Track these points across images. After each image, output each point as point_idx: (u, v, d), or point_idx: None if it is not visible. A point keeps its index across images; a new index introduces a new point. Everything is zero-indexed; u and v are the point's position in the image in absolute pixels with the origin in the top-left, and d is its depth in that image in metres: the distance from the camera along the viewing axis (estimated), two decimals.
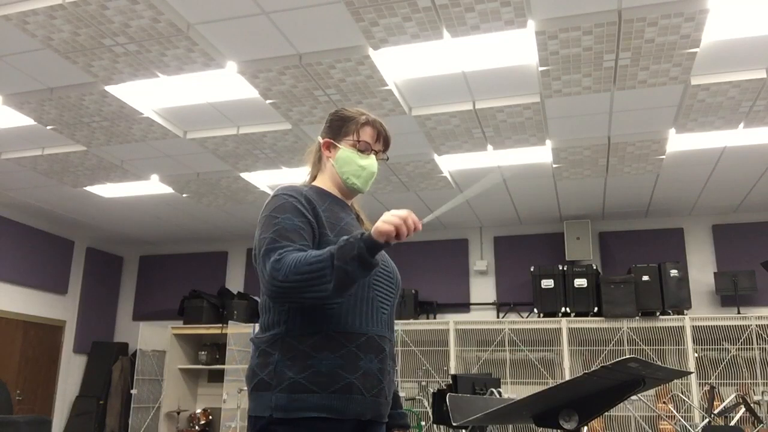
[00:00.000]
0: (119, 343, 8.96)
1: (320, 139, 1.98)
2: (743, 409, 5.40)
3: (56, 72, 4.46)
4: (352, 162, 1.91)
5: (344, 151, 1.91)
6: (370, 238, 1.57)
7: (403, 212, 1.58)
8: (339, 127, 1.94)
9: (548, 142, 5.51)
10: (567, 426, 1.81)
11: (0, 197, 7.22)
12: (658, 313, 6.83)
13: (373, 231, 1.57)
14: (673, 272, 6.86)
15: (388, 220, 1.57)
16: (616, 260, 7.59)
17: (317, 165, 1.98)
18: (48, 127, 5.29)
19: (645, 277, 6.89)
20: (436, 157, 5.81)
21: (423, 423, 6.94)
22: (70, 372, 8.57)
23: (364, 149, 1.91)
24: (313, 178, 1.99)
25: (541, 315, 7.17)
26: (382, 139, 1.96)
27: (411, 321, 7.52)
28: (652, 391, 6.52)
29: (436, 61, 4.23)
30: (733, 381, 6.61)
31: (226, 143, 5.54)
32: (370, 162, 1.93)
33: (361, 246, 1.56)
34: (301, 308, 1.71)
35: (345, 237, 1.61)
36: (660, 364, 1.67)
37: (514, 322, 7.32)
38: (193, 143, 5.57)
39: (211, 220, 8.01)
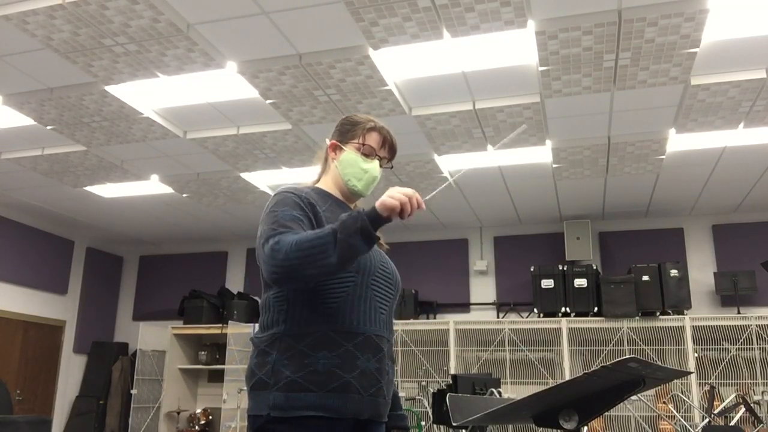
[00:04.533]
0: (119, 343, 8.96)
1: (328, 141, 2.00)
2: (743, 409, 5.40)
3: (56, 72, 4.46)
4: (354, 164, 1.92)
5: (348, 153, 1.93)
6: (374, 212, 1.61)
7: (408, 190, 1.63)
8: (347, 130, 1.97)
9: (548, 142, 5.51)
10: (567, 426, 1.81)
11: (0, 197, 7.22)
12: (658, 313, 6.83)
13: (378, 205, 1.61)
14: (673, 272, 6.86)
15: (394, 195, 1.61)
16: (616, 260, 7.59)
17: (323, 167, 2.02)
18: (48, 127, 5.29)
19: (645, 277, 6.89)
20: (436, 157, 5.82)
21: (423, 423, 6.94)
22: (70, 372, 8.57)
23: (368, 153, 1.93)
24: (318, 179, 2.01)
25: (541, 315, 7.17)
26: (388, 146, 1.98)
27: (411, 321, 7.52)
28: (652, 391, 6.52)
29: (436, 61, 4.23)
30: (733, 381, 6.60)
31: (226, 143, 5.54)
32: (373, 166, 1.94)
33: (365, 219, 1.60)
34: (300, 307, 1.72)
35: (345, 213, 1.64)
36: (660, 364, 1.67)
37: (514, 322, 7.32)
38: (193, 143, 5.57)
39: (211, 220, 8.01)
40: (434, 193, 1.86)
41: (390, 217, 1.61)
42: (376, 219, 1.61)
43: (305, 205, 1.79)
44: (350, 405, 1.67)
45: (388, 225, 1.64)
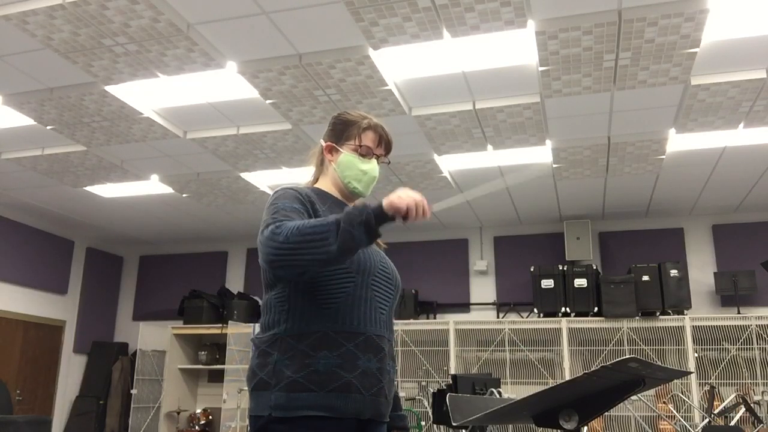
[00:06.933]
0: (119, 343, 8.96)
1: (322, 142, 1.99)
2: (743, 409, 5.40)
3: (56, 72, 4.46)
4: (353, 166, 1.92)
5: (346, 155, 1.93)
6: (380, 209, 1.60)
7: (417, 195, 1.62)
8: (341, 130, 1.96)
9: (548, 142, 5.51)
10: (567, 426, 1.81)
11: (0, 197, 7.22)
12: (658, 313, 6.83)
13: (385, 203, 1.60)
14: (673, 272, 6.86)
15: (403, 197, 1.60)
16: (616, 260, 7.59)
17: (320, 167, 2.01)
18: (48, 127, 5.29)
19: (645, 277, 6.89)
20: (436, 157, 5.81)
21: (423, 423, 6.94)
22: (70, 372, 8.57)
23: (365, 153, 1.93)
24: (316, 180, 2.01)
25: (541, 315, 7.17)
26: (384, 143, 1.97)
27: (411, 321, 7.52)
28: (652, 391, 6.52)
29: (436, 61, 4.23)
30: (733, 381, 6.60)
31: (226, 143, 5.54)
32: (372, 166, 1.94)
33: (370, 213, 1.59)
34: (301, 308, 1.72)
35: (351, 205, 1.64)
36: (660, 364, 1.67)
37: (514, 322, 7.32)
38: (193, 143, 5.57)
39: (211, 220, 8.01)
40: (444, 205, 1.80)
41: (395, 217, 1.61)
42: (380, 216, 1.60)
43: (305, 201, 1.80)
44: (352, 405, 1.67)
45: (388, 225, 1.63)
